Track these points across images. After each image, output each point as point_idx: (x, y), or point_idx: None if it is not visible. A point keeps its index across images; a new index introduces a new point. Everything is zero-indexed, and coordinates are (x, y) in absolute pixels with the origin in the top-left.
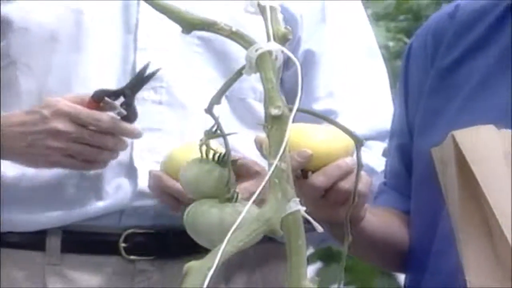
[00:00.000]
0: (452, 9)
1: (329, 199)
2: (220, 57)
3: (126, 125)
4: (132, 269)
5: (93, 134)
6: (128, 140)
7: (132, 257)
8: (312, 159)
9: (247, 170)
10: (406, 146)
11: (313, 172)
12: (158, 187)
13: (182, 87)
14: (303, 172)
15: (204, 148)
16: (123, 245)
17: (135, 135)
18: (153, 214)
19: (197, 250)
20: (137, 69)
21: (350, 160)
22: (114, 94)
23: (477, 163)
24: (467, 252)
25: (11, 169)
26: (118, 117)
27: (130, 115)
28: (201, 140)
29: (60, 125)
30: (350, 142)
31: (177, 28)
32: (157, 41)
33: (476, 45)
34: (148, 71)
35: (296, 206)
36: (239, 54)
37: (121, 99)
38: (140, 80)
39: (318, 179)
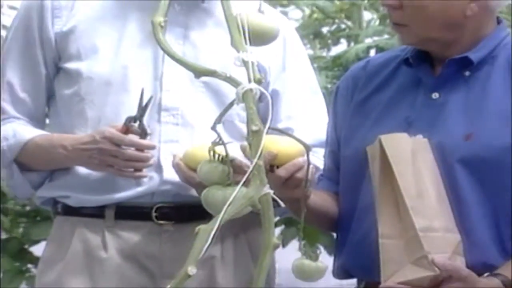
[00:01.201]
0: (365, 63)
1: (288, 185)
2: (216, 94)
3: (140, 140)
4: (160, 229)
5: (118, 151)
6: (151, 152)
7: (160, 222)
8: (277, 157)
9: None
10: (335, 151)
11: (278, 167)
12: (177, 172)
13: (191, 113)
14: (272, 166)
15: (212, 152)
16: (154, 214)
17: (149, 147)
18: (173, 194)
19: (203, 217)
20: (163, 107)
21: (302, 160)
22: (134, 119)
23: (393, 158)
24: (381, 214)
25: (83, 168)
26: (137, 136)
27: (143, 133)
28: (209, 147)
29: (103, 145)
30: (302, 148)
31: (190, 75)
32: (176, 84)
33: (380, 86)
34: (169, 103)
35: (267, 189)
36: (227, 92)
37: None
38: (140, 110)
39: (281, 172)
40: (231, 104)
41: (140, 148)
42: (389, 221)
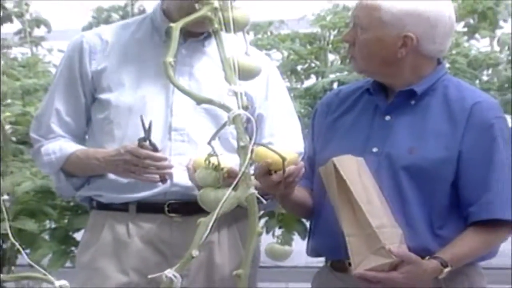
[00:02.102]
0: (337, 91)
1: (278, 185)
2: (213, 117)
3: (154, 153)
4: (171, 221)
5: (139, 160)
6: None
7: (171, 215)
8: (273, 164)
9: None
10: (312, 158)
11: (275, 171)
12: (188, 174)
13: (195, 132)
14: (269, 171)
15: (207, 161)
16: (166, 208)
17: (161, 158)
18: (181, 194)
19: (203, 211)
20: (173, 128)
21: (292, 167)
22: (144, 139)
23: (346, 175)
24: (343, 218)
25: (112, 175)
26: (151, 151)
27: (154, 148)
28: (205, 158)
29: (127, 157)
30: (293, 158)
31: (193, 103)
32: (182, 110)
33: (347, 109)
34: (178, 125)
35: (253, 190)
36: (223, 115)
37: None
38: (146, 132)
39: (275, 177)
40: (224, 125)
41: (155, 160)
42: (349, 223)
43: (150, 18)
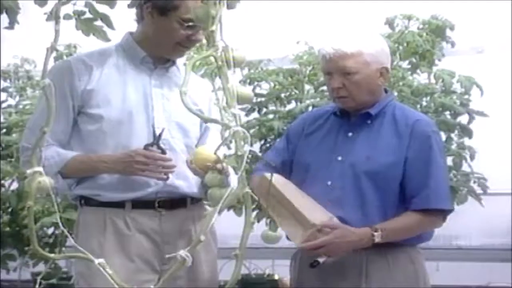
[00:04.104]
0: (309, 113)
1: None
2: (183, 130)
3: (162, 155)
4: (160, 214)
5: (147, 161)
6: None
7: (159, 209)
8: None
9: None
10: (286, 161)
11: None
12: (191, 170)
13: (173, 141)
14: None
15: (214, 168)
16: (156, 205)
17: (168, 159)
18: (169, 192)
19: (184, 206)
20: (157, 135)
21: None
22: (151, 144)
23: (280, 186)
24: (281, 221)
25: (106, 177)
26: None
27: (162, 152)
28: (211, 165)
29: (139, 158)
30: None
31: (166, 118)
32: (162, 124)
33: (318, 127)
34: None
35: (248, 189)
36: (189, 129)
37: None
38: (156, 138)
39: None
40: (227, 139)
41: (165, 161)
42: (284, 218)
43: (122, 48)
